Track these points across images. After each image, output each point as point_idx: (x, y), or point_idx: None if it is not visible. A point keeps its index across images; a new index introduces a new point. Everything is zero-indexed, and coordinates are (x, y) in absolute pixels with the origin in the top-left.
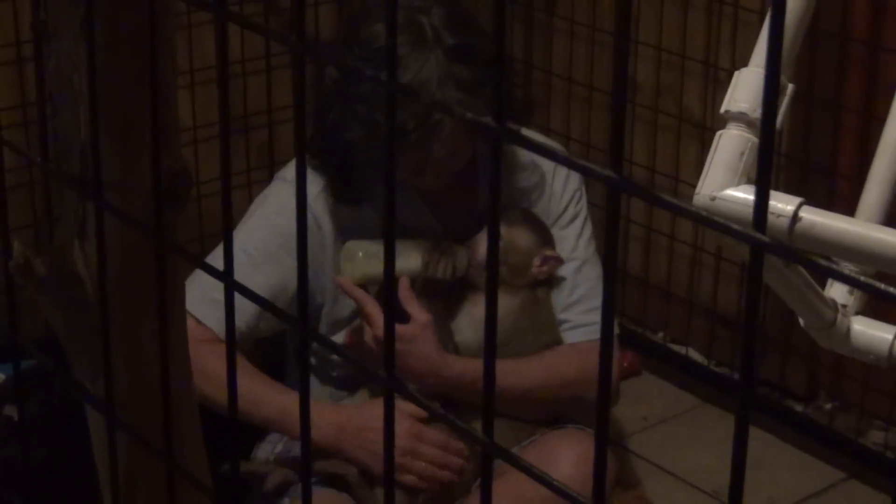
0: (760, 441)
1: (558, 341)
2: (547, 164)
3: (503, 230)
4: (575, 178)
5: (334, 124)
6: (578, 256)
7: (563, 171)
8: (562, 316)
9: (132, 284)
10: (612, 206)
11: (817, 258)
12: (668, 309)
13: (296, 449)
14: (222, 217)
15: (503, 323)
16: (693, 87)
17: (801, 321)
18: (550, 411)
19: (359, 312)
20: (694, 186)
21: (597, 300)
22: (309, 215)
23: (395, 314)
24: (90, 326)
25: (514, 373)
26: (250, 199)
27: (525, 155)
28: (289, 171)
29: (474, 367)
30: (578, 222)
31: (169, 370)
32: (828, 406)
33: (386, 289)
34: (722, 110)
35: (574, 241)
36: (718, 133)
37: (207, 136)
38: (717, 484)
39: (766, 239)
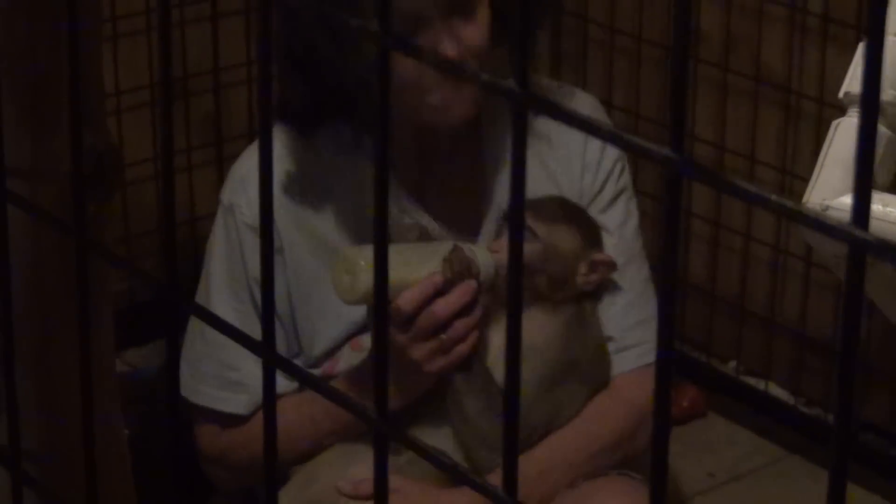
0: (865, 503)
1: (608, 375)
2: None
3: (541, 229)
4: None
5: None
6: (622, 252)
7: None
8: (605, 331)
9: (45, 297)
10: (673, 195)
11: None
12: (741, 331)
13: None
14: (164, 215)
15: (547, 354)
16: (774, 39)
17: None
18: None
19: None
20: (775, 168)
21: (646, 309)
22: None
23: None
24: None
25: (548, 458)
26: (191, 188)
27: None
28: (226, 191)
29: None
30: (620, 205)
31: (92, 408)
32: None
33: (377, 310)
34: (841, 93)
35: (617, 232)
36: (835, 122)
37: (134, 104)
38: None
39: (868, 236)
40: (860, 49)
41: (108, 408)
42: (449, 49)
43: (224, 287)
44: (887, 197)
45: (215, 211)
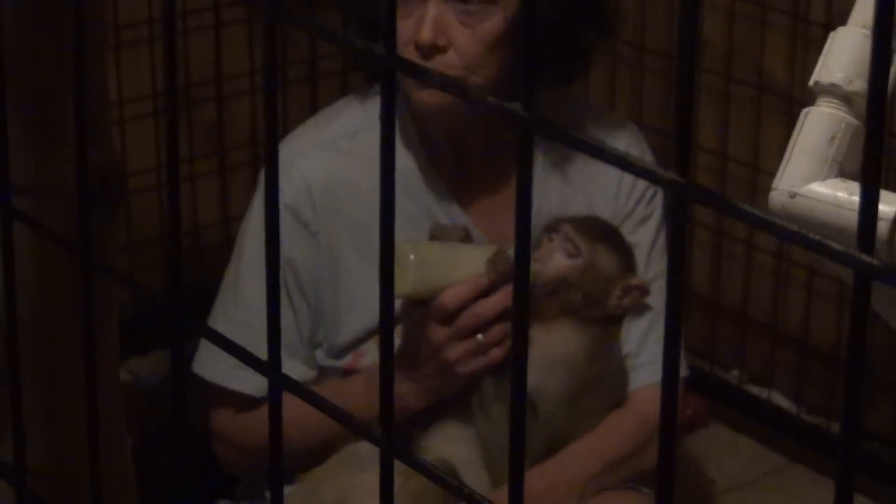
0: None
1: (624, 395)
2: (619, 144)
3: (583, 246)
4: None
5: None
6: (647, 270)
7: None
8: (624, 347)
9: (50, 312)
10: (678, 218)
11: None
12: (744, 340)
13: None
14: (169, 224)
15: (573, 367)
16: (776, 47)
17: None
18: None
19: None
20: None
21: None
22: (300, 200)
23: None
24: None
25: (558, 471)
26: (194, 198)
27: (591, 129)
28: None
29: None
30: (651, 227)
31: (98, 426)
32: None
33: (382, 324)
34: (811, 82)
35: (646, 252)
36: (805, 111)
37: (137, 114)
38: None
39: (874, 261)
40: (830, 39)
41: (112, 421)
42: (425, 33)
43: (256, 266)
44: (853, 185)
45: (218, 220)
